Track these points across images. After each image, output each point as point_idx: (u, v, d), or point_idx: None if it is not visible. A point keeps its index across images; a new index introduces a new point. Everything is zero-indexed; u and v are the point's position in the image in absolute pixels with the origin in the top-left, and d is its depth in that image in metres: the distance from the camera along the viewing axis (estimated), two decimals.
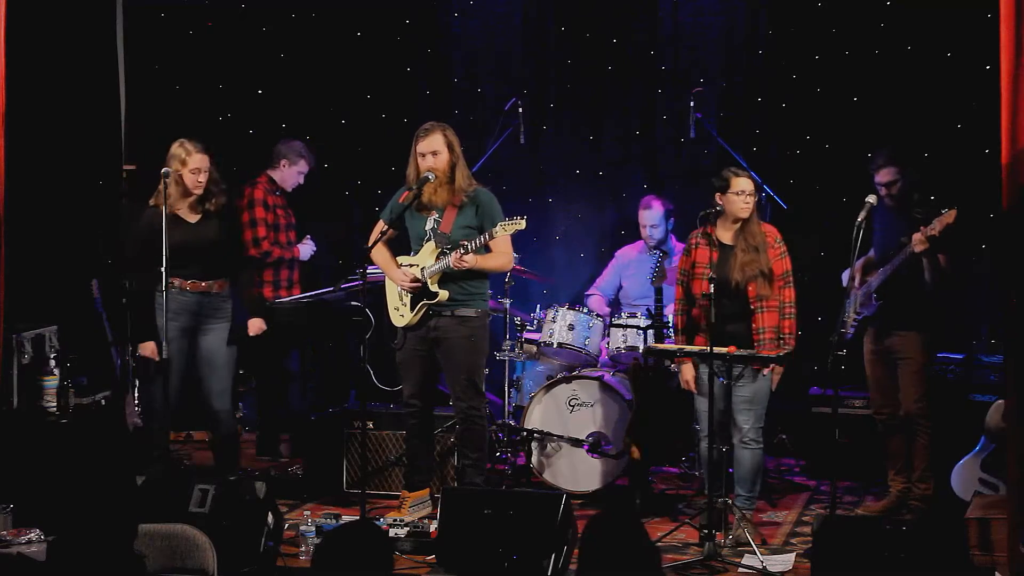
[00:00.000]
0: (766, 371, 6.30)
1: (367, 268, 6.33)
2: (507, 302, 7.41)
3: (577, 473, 7.20)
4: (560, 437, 7.19)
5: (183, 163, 6.62)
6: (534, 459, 7.24)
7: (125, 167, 7.58)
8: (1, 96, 6.17)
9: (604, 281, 8.10)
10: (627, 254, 8.07)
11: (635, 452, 6.83)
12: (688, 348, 6.30)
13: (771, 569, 5.83)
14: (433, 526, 6.04)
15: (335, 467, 7.25)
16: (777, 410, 7.63)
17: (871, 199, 6.09)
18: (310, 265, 8.23)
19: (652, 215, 7.80)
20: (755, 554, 5.94)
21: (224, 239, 6.74)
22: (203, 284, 6.70)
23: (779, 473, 7.76)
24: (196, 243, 6.67)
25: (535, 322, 7.61)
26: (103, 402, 7.69)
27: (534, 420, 7.25)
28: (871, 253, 6.88)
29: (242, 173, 7.70)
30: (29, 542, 5.91)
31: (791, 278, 6.43)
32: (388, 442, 7.23)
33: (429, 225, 6.49)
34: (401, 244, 6.66)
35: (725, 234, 6.35)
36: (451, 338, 6.47)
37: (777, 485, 7.47)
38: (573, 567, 5.46)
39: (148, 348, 6.65)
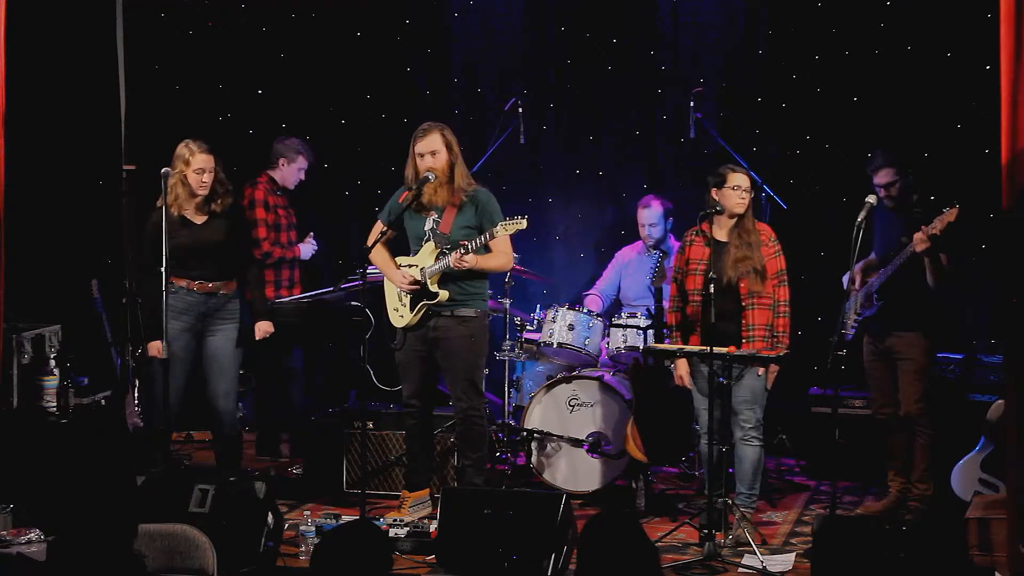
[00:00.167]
0: (761, 371, 6.30)
1: (367, 268, 6.33)
2: (507, 302, 7.42)
3: (577, 473, 7.20)
4: (560, 437, 7.19)
5: (187, 163, 6.62)
6: (534, 459, 7.24)
7: (125, 167, 7.58)
8: (1, 96, 6.17)
9: (604, 282, 8.10)
10: (626, 254, 8.07)
11: (636, 453, 6.83)
12: (688, 348, 6.30)
13: (771, 569, 5.83)
14: (433, 526, 6.04)
15: (335, 467, 7.25)
16: (777, 410, 7.64)
17: (871, 199, 6.09)
18: (311, 265, 8.23)
19: (651, 214, 7.80)
20: (755, 554, 5.94)
21: (231, 240, 6.73)
22: (210, 285, 6.70)
23: (779, 473, 7.76)
24: (202, 244, 6.67)
25: (535, 322, 7.61)
26: (103, 402, 7.70)
27: (534, 420, 7.25)
28: (872, 256, 6.88)
29: (242, 173, 7.70)
30: (29, 542, 5.92)
31: (785, 277, 6.43)
32: (388, 442, 7.23)
33: (428, 225, 6.49)
34: (399, 245, 6.66)
35: (720, 231, 6.35)
36: (451, 338, 6.47)
37: (777, 485, 7.47)
38: (573, 567, 5.46)
39: (155, 347, 6.63)
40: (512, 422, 7.39)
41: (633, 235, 8.13)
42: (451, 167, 6.44)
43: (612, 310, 8.00)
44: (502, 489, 6.66)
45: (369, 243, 6.50)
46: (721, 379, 6.19)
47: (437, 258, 6.44)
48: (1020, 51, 5.28)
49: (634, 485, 6.97)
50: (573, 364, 7.58)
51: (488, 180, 7.42)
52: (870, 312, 6.77)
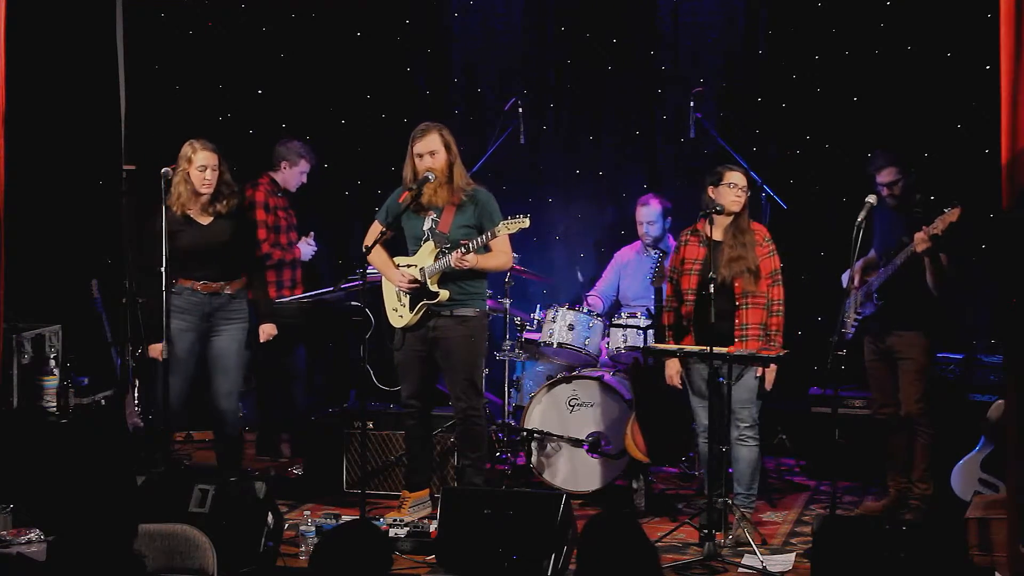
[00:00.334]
0: (760, 371, 6.31)
1: (367, 268, 6.32)
2: (507, 302, 7.42)
3: (577, 473, 7.20)
4: (560, 437, 7.19)
5: (189, 161, 6.63)
6: (534, 459, 7.24)
7: (125, 167, 7.58)
8: (1, 96, 6.17)
9: (604, 283, 8.10)
10: (625, 255, 8.07)
11: (636, 453, 6.84)
12: (689, 348, 6.30)
13: (771, 569, 5.83)
14: (433, 526, 6.04)
15: (335, 467, 7.25)
16: (777, 410, 7.66)
17: (871, 199, 6.08)
18: (311, 265, 8.23)
19: (649, 212, 7.80)
20: (755, 554, 5.94)
21: (236, 241, 6.73)
22: (214, 285, 6.70)
23: (779, 473, 7.76)
24: (207, 245, 6.67)
25: (535, 322, 7.61)
26: (103, 402, 7.69)
27: (534, 420, 7.25)
28: (871, 253, 6.88)
29: (242, 173, 7.69)
30: (29, 542, 5.92)
31: (780, 276, 6.43)
32: (388, 442, 7.23)
33: (427, 225, 6.49)
34: (397, 245, 6.66)
35: (715, 230, 6.33)
36: (450, 338, 6.47)
37: (777, 485, 7.47)
38: (573, 567, 5.46)
39: (155, 350, 6.64)
40: (512, 422, 7.39)
41: (632, 235, 8.13)
42: (450, 167, 6.44)
43: (612, 310, 8.00)
44: (502, 489, 6.66)
45: (367, 243, 6.50)
46: (721, 379, 6.19)
47: (436, 258, 6.44)
48: (1020, 51, 5.28)
49: (634, 485, 6.97)
50: (573, 364, 7.58)
51: (488, 180, 7.42)
52: (869, 311, 6.77)
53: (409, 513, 6.55)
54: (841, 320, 6.61)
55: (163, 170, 6.56)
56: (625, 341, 7.39)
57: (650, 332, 7.06)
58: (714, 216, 6.24)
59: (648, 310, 7.22)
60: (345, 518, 6.23)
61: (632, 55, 8.60)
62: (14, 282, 6.51)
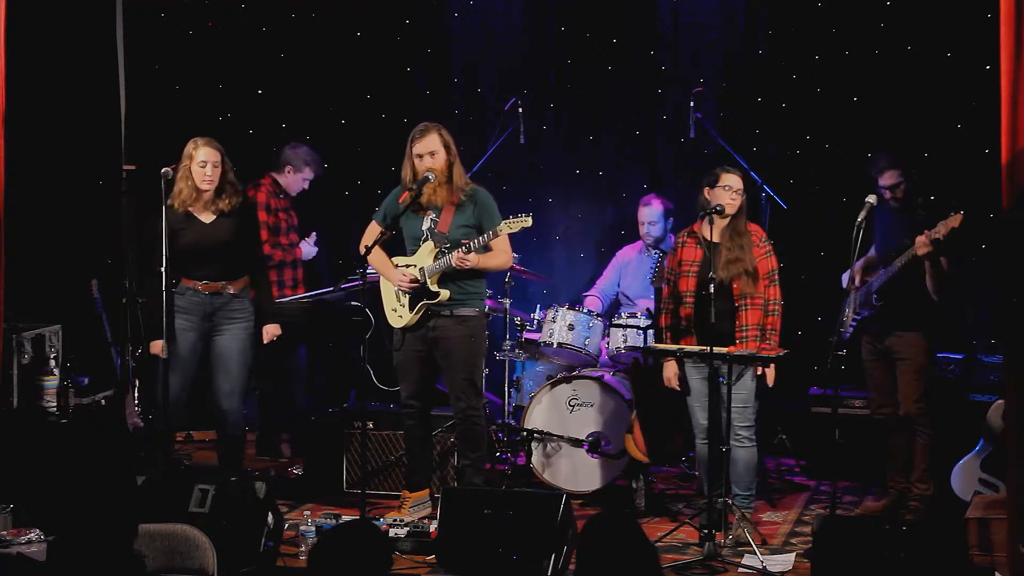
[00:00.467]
0: (760, 370, 6.30)
1: (367, 268, 6.32)
2: (507, 302, 7.42)
3: (577, 473, 7.20)
4: (560, 437, 7.19)
5: (191, 157, 6.63)
6: (534, 459, 7.24)
7: (125, 167, 7.58)
8: (1, 96, 6.17)
9: (604, 282, 8.10)
10: (626, 254, 8.07)
11: (636, 453, 6.84)
12: (689, 348, 6.30)
13: (771, 569, 5.83)
14: (433, 526, 6.04)
15: (335, 467, 7.25)
16: (777, 410, 7.66)
17: (871, 199, 6.08)
18: (312, 265, 8.23)
19: (651, 212, 7.80)
20: (755, 554, 5.94)
21: (238, 240, 6.71)
22: (216, 285, 6.69)
23: (779, 473, 7.76)
24: (209, 243, 6.66)
25: (535, 322, 7.61)
26: (103, 402, 7.69)
27: (534, 420, 7.25)
28: (871, 252, 6.88)
29: (242, 173, 7.68)
30: (29, 542, 5.92)
31: (776, 277, 6.43)
32: (388, 442, 7.23)
33: (426, 225, 6.49)
34: (394, 245, 6.65)
35: (713, 232, 6.32)
36: (450, 338, 6.47)
37: (777, 485, 7.47)
38: (573, 567, 5.46)
39: (156, 346, 6.64)
40: (512, 422, 7.39)
41: (633, 235, 8.13)
42: (449, 167, 6.44)
43: (612, 310, 8.00)
44: (502, 489, 6.66)
45: (366, 244, 6.49)
46: (721, 379, 6.19)
47: (436, 257, 6.43)
48: (1020, 51, 5.28)
49: (634, 485, 6.97)
50: (573, 364, 7.58)
51: (488, 180, 7.42)
52: (870, 312, 6.77)
53: (409, 513, 6.55)
54: (841, 320, 6.61)
55: (163, 170, 6.55)
56: (625, 341, 7.39)
57: (650, 332, 7.06)
58: (716, 215, 6.23)
59: (648, 310, 7.22)
60: (345, 518, 6.23)
61: (632, 55, 8.60)
62: (14, 282, 6.51)
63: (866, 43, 8.07)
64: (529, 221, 6.27)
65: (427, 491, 6.74)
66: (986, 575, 5.50)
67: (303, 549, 5.93)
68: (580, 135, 8.75)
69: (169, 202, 6.61)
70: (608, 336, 7.53)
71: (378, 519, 6.35)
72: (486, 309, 6.73)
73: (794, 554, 6.09)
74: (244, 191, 6.96)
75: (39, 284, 7.97)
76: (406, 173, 6.49)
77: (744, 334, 6.32)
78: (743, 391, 6.30)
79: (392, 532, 6.08)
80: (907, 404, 6.69)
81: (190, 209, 6.66)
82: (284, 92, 8.93)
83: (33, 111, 7.84)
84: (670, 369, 6.51)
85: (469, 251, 6.30)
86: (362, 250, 6.40)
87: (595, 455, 7.13)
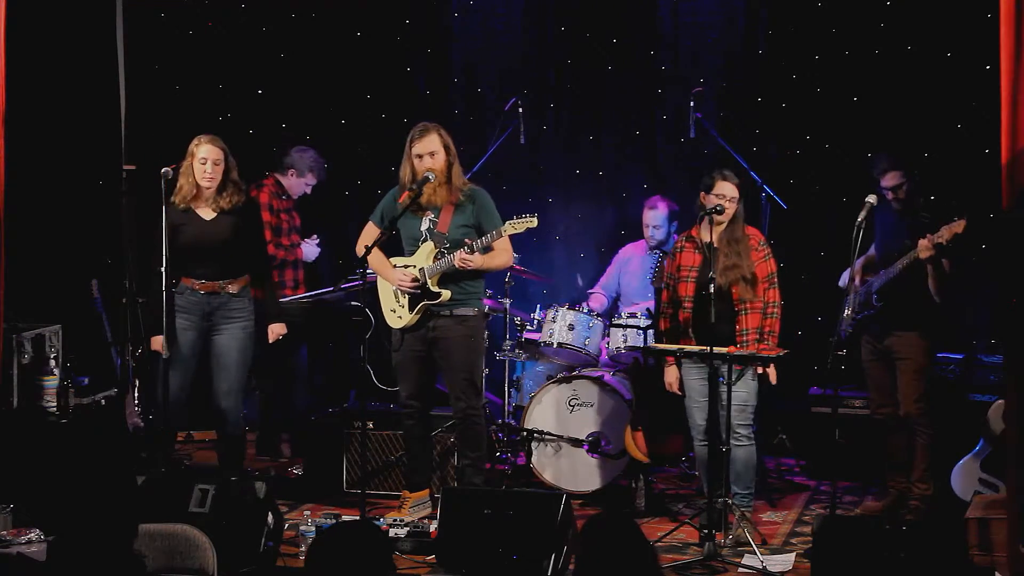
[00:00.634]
0: (760, 370, 6.30)
1: (367, 268, 6.32)
2: (507, 302, 7.42)
3: (577, 473, 7.20)
4: (560, 437, 7.19)
5: (192, 155, 6.64)
6: (534, 459, 7.24)
7: (125, 167, 7.57)
8: (1, 96, 6.17)
9: (607, 279, 8.10)
10: (628, 252, 8.06)
11: (636, 453, 6.84)
12: (689, 348, 6.30)
13: (771, 569, 5.83)
14: (433, 526, 6.04)
15: (335, 467, 7.25)
16: (777, 410, 7.66)
17: (871, 199, 6.08)
18: (312, 265, 8.23)
19: (656, 216, 7.79)
20: (755, 554, 5.94)
21: (238, 239, 6.71)
22: (213, 284, 6.69)
23: (779, 473, 7.76)
24: (208, 240, 6.65)
25: (535, 322, 7.61)
26: (103, 402, 7.69)
27: (534, 420, 7.25)
28: (871, 252, 6.88)
29: (242, 173, 7.70)
30: (29, 542, 5.92)
31: (775, 279, 6.43)
32: (388, 442, 7.23)
33: (425, 226, 6.49)
34: (390, 246, 6.64)
35: (713, 234, 6.30)
36: (450, 338, 6.47)
37: (777, 485, 7.47)
38: (573, 567, 5.46)
39: (157, 341, 6.63)
40: (512, 422, 7.39)
41: (633, 235, 8.13)
42: (449, 167, 6.44)
43: (612, 309, 7.99)
44: (502, 489, 6.66)
45: (364, 244, 6.50)
46: (721, 379, 6.19)
47: (436, 258, 6.43)
48: (1020, 51, 5.28)
49: (634, 485, 6.98)
50: (573, 364, 7.58)
51: (488, 180, 7.42)
52: (870, 312, 6.76)
53: (409, 513, 6.55)
54: (841, 320, 6.61)
55: (163, 170, 6.55)
56: (625, 341, 7.39)
57: (650, 332, 7.06)
58: (714, 216, 6.22)
59: (648, 310, 7.22)
60: (345, 518, 6.23)
61: (632, 55, 8.60)
62: (14, 282, 6.51)
63: (866, 43, 8.08)
64: (534, 221, 6.27)
65: (427, 491, 6.74)
66: (986, 575, 5.50)
67: (303, 549, 5.93)
68: (580, 135, 8.75)
69: (172, 198, 6.62)
70: (608, 336, 7.53)
71: (378, 519, 6.35)
72: (485, 309, 6.73)
73: (794, 554, 6.09)
74: (247, 191, 6.96)
75: (39, 284, 7.97)
76: (405, 173, 6.49)
77: (744, 338, 6.32)
78: (743, 390, 6.30)
79: (392, 532, 6.08)
80: (907, 404, 6.69)
81: (191, 205, 6.67)
82: (284, 92, 8.93)
83: (33, 111, 7.84)
84: (671, 374, 6.50)
85: (472, 251, 6.30)
86: (361, 251, 6.40)
87: (595, 455, 7.13)
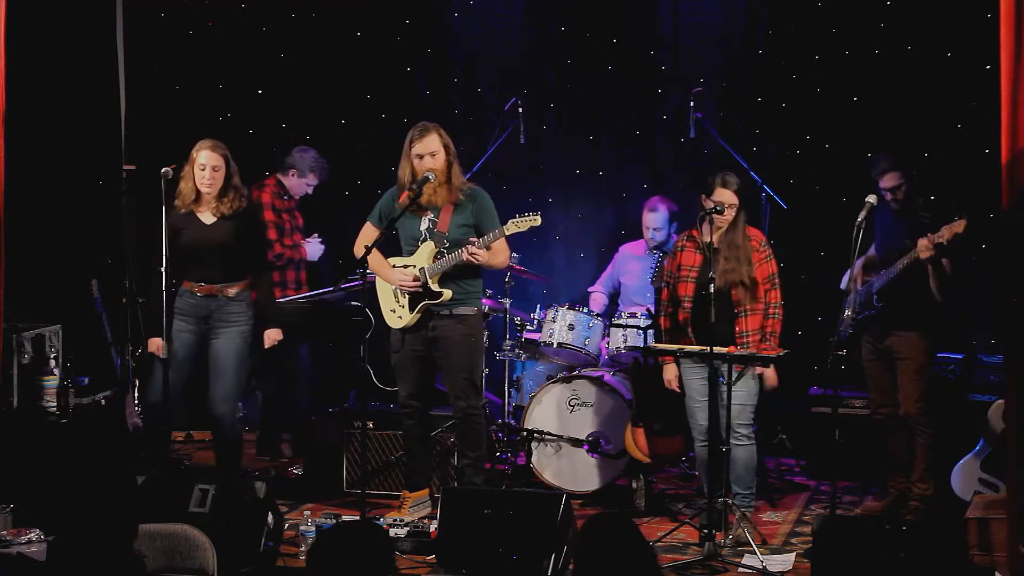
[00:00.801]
0: (760, 370, 6.30)
1: (367, 268, 6.32)
2: (507, 302, 7.42)
3: (577, 473, 7.20)
4: (560, 437, 7.19)
5: (193, 159, 6.65)
6: (534, 459, 7.24)
7: (125, 167, 7.58)
8: (1, 96, 6.17)
9: (606, 276, 8.10)
10: (629, 251, 8.06)
11: (636, 452, 6.84)
12: (689, 348, 6.30)
13: (771, 569, 5.83)
14: (433, 526, 6.04)
15: (335, 467, 7.25)
16: (777, 410, 7.65)
17: (871, 199, 6.08)
18: (312, 265, 8.22)
19: (657, 218, 7.77)
20: (755, 554, 5.94)
21: (238, 244, 6.70)
22: (212, 287, 6.69)
23: (779, 473, 7.76)
24: (207, 244, 6.66)
25: (535, 322, 7.62)
26: (103, 402, 7.69)
27: (534, 420, 7.25)
28: (871, 252, 6.88)
29: (242, 173, 7.71)
30: (29, 542, 5.93)
31: (776, 280, 6.43)
32: (388, 442, 7.23)
33: (424, 225, 6.49)
34: (387, 246, 6.64)
35: (713, 236, 6.29)
36: (450, 337, 6.47)
37: (777, 485, 7.47)
38: (573, 567, 5.46)
39: (155, 343, 6.64)
40: (512, 422, 7.39)
41: (633, 235, 8.12)
42: (449, 167, 6.44)
43: (611, 307, 7.99)
44: (502, 489, 6.66)
45: (362, 244, 6.49)
46: (721, 379, 6.19)
47: (436, 257, 6.44)
48: (1020, 51, 5.28)
49: (634, 485, 6.98)
50: (573, 364, 7.58)
51: (488, 180, 7.42)
52: (870, 312, 6.76)
53: (409, 513, 6.55)
54: (841, 320, 6.61)
55: (163, 170, 6.55)
56: (625, 341, 7.39)
57: (650, 332, 7.06)
58: (713, 217, 6.22)
59: (648, 310, 7.22)
60: (345, 518, 6.24)
61: (632, 55, 8.60)
62: (14, 282, 6.51)
63: (866, 43, 8.07)
64: (538, 220, 6.28)
65: (427, 491, 6.74)
66: (986, 575, 5.50)
67: (303, 549, 5.93)
68: (580, 135, 8.74)
69: (175, 202, 6.63)
70: (608, 336, 7.53)
71: (378, 519, 6.35)
72: (485, 309, 6.72)
73: (794, 554, 6.09)
74: (249, 194, 6.96)
75: (39, 284, 7.97)
76: (404, 173, 6.48)
77: (745, 340, 6.32)
78: (744, 390, 6.30)
79: (392, 532, 6.08)
80: (907, 404, 6.69)
81: (193, 209, 6.67)
82: (284, 92, 8.93)
83: (33, 111, 7.84)
84: (670, 371, 6.51)
85: (480, 246, 6.30)
86: (361, 251, 6.39)
87: (595, 455, 7.13)
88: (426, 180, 6.36)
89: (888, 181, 6.70)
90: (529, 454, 7.24)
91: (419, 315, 6.49)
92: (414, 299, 6.49)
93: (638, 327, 7.25)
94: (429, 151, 6.40)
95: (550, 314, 7.50)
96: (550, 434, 7.21)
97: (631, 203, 8.32)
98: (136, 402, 7.66)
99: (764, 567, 5.83)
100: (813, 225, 8.12)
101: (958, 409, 7.08)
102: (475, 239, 6.37)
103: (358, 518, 6.12)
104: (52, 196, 8.45)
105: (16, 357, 7.19)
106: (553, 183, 8.78)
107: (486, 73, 8.83)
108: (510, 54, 8.77)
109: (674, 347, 6.39)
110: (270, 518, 5.58)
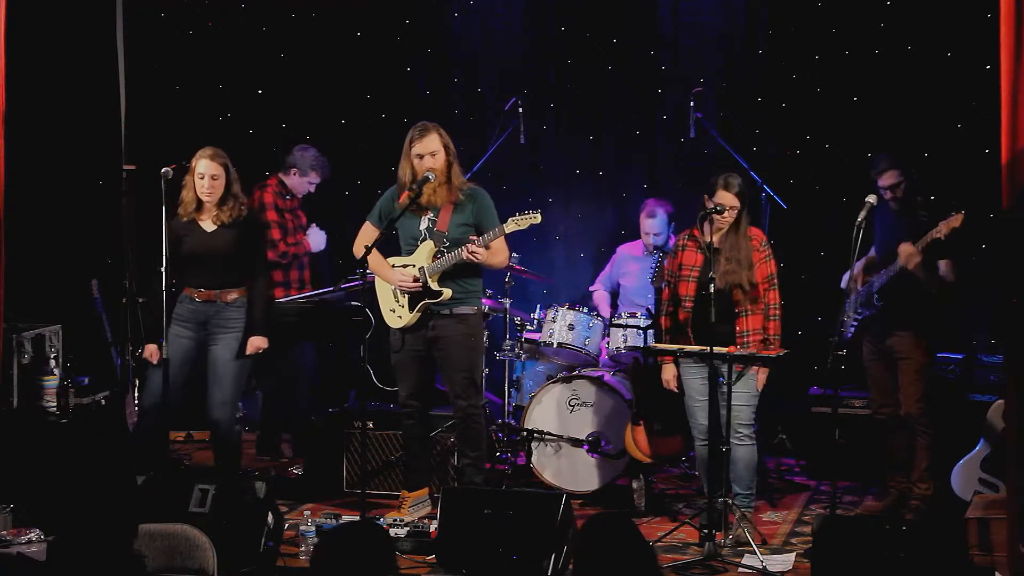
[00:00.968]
0: (754, 370, 6.30)
1: (367, 268, 6.32)
2: (507, 302, 7.42)
3: (577, 473, 7.20)
4: (560, 437, 7.19)
5: (192, 168, 6.66)
6: (534, 459, 7.24)
7: (125, 167, 7.59)
8: (1, 96, 6.17)
9: (606, 275, 8.09)
10: (627, 252, 8.05)
11: (636, 452, 6.84)
12: (689, 348, 6.30)
13: (771, 569, 5.83)
14: (433, 526, 6.04)
15: (335, 467, 7.25)
16: (777, 410, 7.65)
17: (871, 199, 6.08)
18: (314, 265, 8.21)
19: (656, 224, 7.75)
20: (755, 554, 5.94)
21: (237, 252, 6.70)
22: (210, 293, 6.69)
23: (779, 473, 7.76)
24: (206, 251, 6.67)
25: (535, 322, 7.62)
26: (103, 402, 7.70)
27: (534, 420, 7.25)
28: (872, 252, 6.88)
29: (242, 173, 7.71)
30: (29, 542, 5.93)
31: (775, 280, 6.42)
32: (388, 442, 7.23)
33: (424, 225, 6.49)
34: (387, 246, 6.64)
35: (713, 236, 6.29)
36: (450, 336, 6.47)
37: (777, 485, 7.47)
38: (572, 567, 5.46)
39: (148, 350, 6.67)
40: (512, 422, 7.39)
41: (633, 234, 8.12)
42: (448, 167, 6.44)
43: (611, 307, 7.99)
44: (502, 489, 6.66)
45: (362, 244, 6.49)
46: (721, 379, 6.19)
47: (435, 256, 6.44)
48: (1020, 51, 5.28)
49: (634, 485, 6.97)
50: (573, 364, 7.58)
51: (488, 180, 7.42)
52: (871, 312, 6.77)
53: (409, 513, 6.55)
54: (841, 320, 6.61)
55: (163, 170, 6.56)
56: (625, 341, 7.39)
57: (650, 332, 7.06)
58: (714, 218, 6.22)
59: (648, 310, 7.22)
60: (345, 518, 6.24)
61: (632, 55, 8.60)
62: (14, 282, 6.51)
63: (866, 43, 8.08)
64: (538, 217, 6.28)
65: (426, 490, 6.74)
66: (986, 575, 5.50)
67: (303, 549, 5.93)
68: (580, 135, 8.74)
69: (178, 210, 6.67)
70: (608, 336, 7.53)
71: (378, 519, 6.35)
72: (485, 308, 6.72)
73: (794, 554, 6.09)
74: (249, 193, 6.96)
75: (39, 284, 7.97)
76: (404, 173, 6.48)
77: (745, 339, 6.32)
78: (746, 389, 6.30)
79: (392, 532, 6.08)
80: (908, 404, 6.69)
81: (195, 217, 6.70)
82: (284, 92, 8.93)
83: (33, 111, 7.84)
84: (669, 371, 6.51)
85: (482, 244, 6.30)
86: (361, 251, 6.39)
87: (595, 455, 7.13)
88: (426, 180, 6.36)
89: (887, 179, 6.70)
90: (529, 454, 7.24)
91: (419, 315, 6.49)
92: (414, 299, 6.49)
93: (638, 327, 7.25)
94: (429, 151, 6.41)
95: (550, 314, 7.50)
96: (550, 434, 7.21)
97: (631, 203, 8.32)
98: (136, 402, 7.65)
99: (764, 567, 5.83)
100: (813, 225, 8.12)
101: (958, 409, 7.08)
102: (475, 238, 6.37)
103: (358, 518, 6.12)
104: (52, 196, 8.46)
105: (16, 357, 7.19)
106: (553, 183, 8.78)
107: (486, 73, 8.83)
108: (510, 54, 8.77)
109: (674, 347, 6.39)
110: (270, 518, 5.58)
